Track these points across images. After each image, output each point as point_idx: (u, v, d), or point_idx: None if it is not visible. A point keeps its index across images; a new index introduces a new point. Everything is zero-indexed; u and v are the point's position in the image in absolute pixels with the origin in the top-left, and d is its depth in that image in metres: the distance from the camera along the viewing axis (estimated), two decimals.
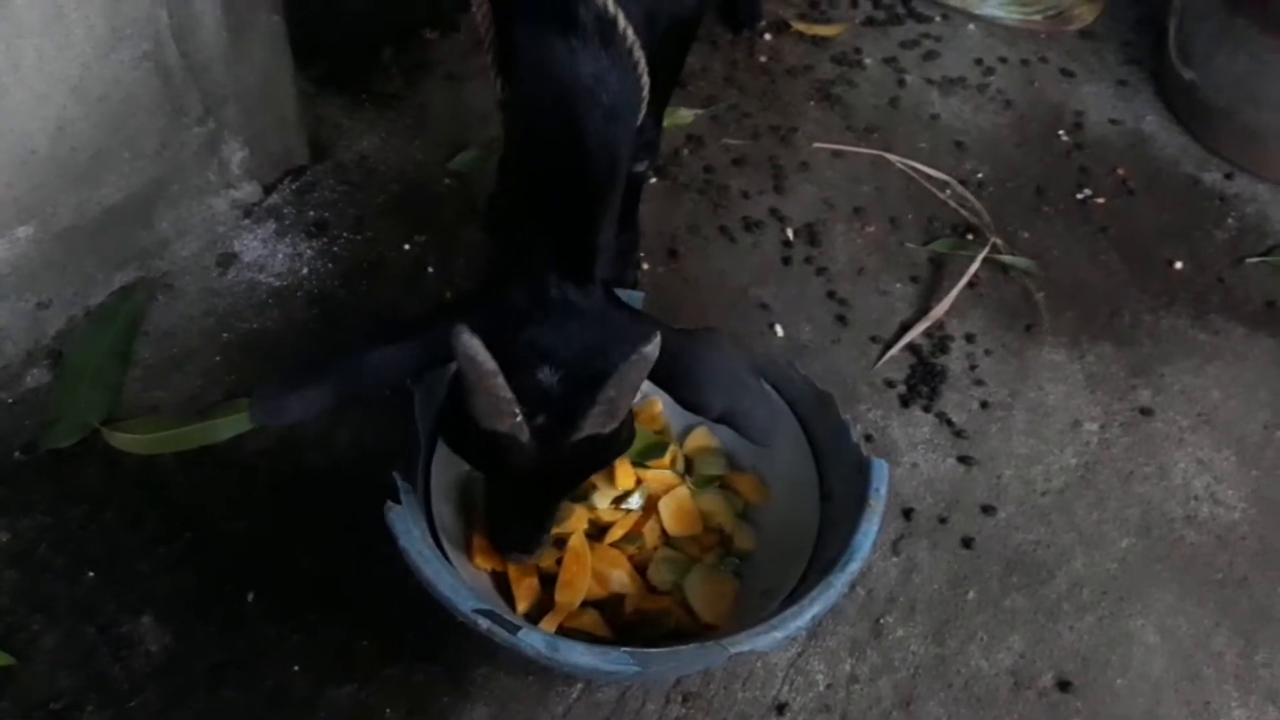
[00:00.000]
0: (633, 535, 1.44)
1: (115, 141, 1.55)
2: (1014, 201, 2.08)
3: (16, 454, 1.51)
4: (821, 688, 1.44)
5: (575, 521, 1.42)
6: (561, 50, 1.06)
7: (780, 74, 2.26)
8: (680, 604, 1.39)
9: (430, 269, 1.80)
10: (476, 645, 1.34)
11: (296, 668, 1.37)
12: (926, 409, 1.74)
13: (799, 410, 1.45)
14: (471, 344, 1.02)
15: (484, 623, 1.15)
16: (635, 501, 1.46)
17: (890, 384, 1.76)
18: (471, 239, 1.84)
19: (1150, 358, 1.86)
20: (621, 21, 1.06)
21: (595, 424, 1.10)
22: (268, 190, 1.85)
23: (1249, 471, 1.72)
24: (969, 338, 1.84)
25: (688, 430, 1.55)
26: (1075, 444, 1.73)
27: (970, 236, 2.00)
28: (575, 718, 1.38)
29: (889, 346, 1.81)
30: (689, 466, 1.52)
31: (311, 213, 1.85)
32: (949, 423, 1.72)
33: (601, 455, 1.20)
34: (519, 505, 1.26)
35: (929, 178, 2.09)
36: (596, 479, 1.43)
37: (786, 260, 1.92)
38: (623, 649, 1.17)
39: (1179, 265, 2.02)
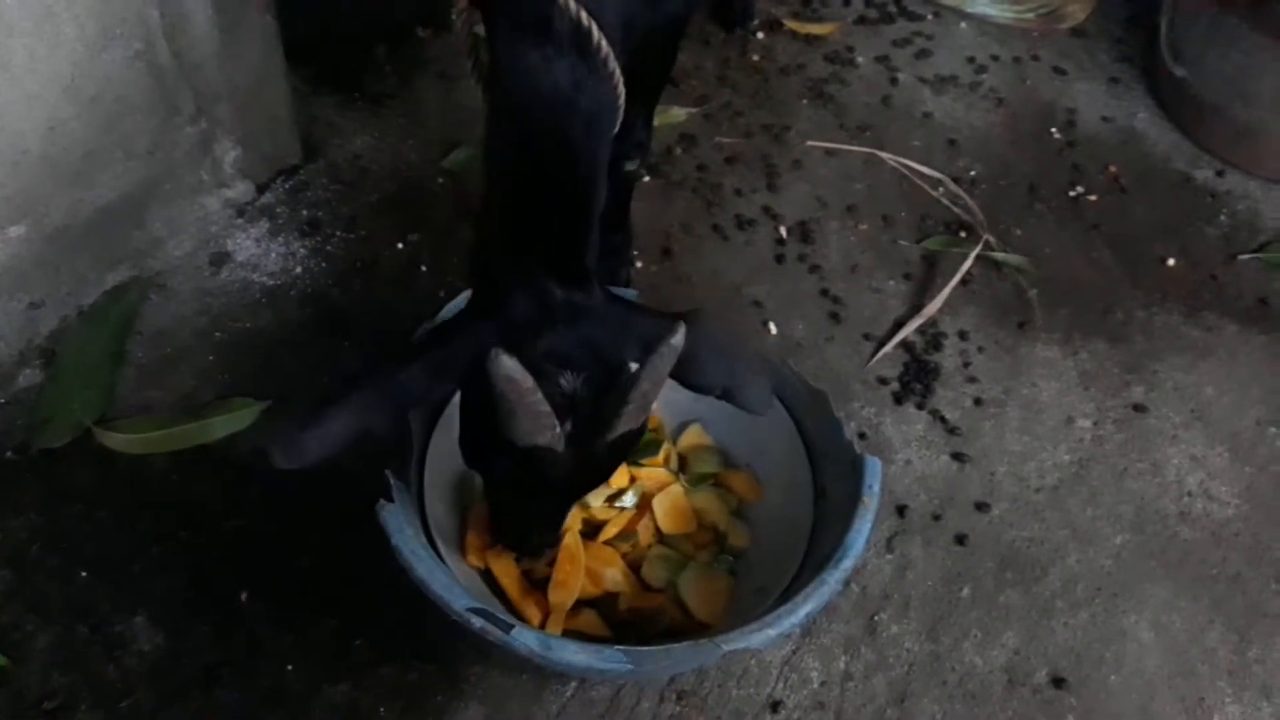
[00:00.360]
0: (627, 533, 1.44)
1: (107, 141, 1.55)
2: (1007, 199, 2.09)
3: (9, 454, 1.50)
4: (816, 685, 1.44)
5: (569, 520, 1.41)
6: (537, 59, 1.07)
7: (773, 72, 2.26)
8: (675, 602, 1.39)
9: (424, 268, 1.80)
10: (471, 644, 1.34)
11: (290, 667, 1.37)
12: (920, 406, 1.74)
13: (792, 408, 1.45)
14: (510, 365, 1.01)
15: (477, 621, 1.15)
16: (629, 500, 1.46)
17: (884, 381, 1.77)
18: (465, 238, 1.84)
19: (1143, 354, 1.86)
20: (596, 32, 1.07)
21: (629, 421, 1.10)
22: (261, 189, 1.85)
23: (1242, 468, 1.73)
24: (962, 335, 1.85)
25: (681, 428, 1.55)
26: (1069, 441, 1.73)
27: (963, 234, 2.00)
28: (570, 716, 1.37)
29: (882, 344, 1.81)
30: (683, 464, 1.52)
31: (305, 212, 1.84)
32: (942, 420, 1.73)
33: (626, 451, 1.20)
34: (535, 509, 1.25)
35: (922, 175, 2.09)
36: None
37: (780, 258, 1.92)
38: (616, 647, 1.17)
39: (1171, 262, 2.02)
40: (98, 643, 1.36)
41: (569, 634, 1.34)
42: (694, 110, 2.14)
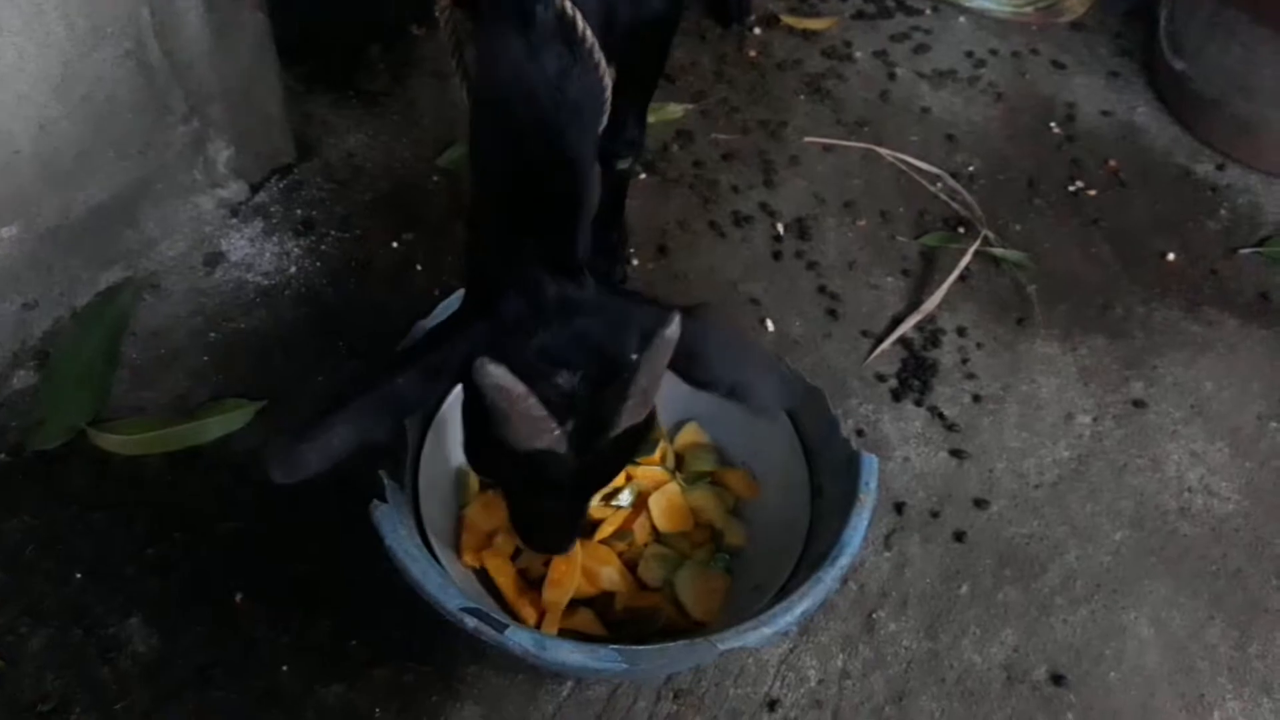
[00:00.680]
0: (623, 532, 1.43)
1: (99, 141, 1.55)
2: (1005, 194, 2.08)
3: (3, 455, 1.50)
4: (813, 684, 1.43)
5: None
6: (521, 49, 1.06)
7: (770, 68, 2.25)
8: (671, 601, 1.39)
9: (419, 266, 1.79)
10: (466, 644, 1.33)
11: (285, 668, 1.36)
12: (918, 403, 1.73)
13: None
14: (498, 373, 1.00)
15: (471, 621, 1.15)
16: (625, 498, 1.45)
17: (882, 378, 1.76)
18: (460, 236, 1.83)
19: (1143, 350, 1.85)
20: (580, 22, 1.06)
21: (630, 416, 1.08)
22: (254, 189, 1.84)
23: (1242, 463, 1.72)
24: (960, 331, 1.84)
25: (678, 426, 1.54)
26: (1068, 437, 1.72)
27: (961, 230, 1.99)
28: (566, 716, 1.37)
29: (880, 340, 1.80)
30: (679, 462, 1.52)
31: (299, 211, 1.84)
32: (941, 416, 1.72)
33: (635, 444, 1.17)
34: (552, 508, 1.23)
35: (920, 171, 2.08)
36: None
37: (777, 255, 1.91)
38: (611, 646, 1.17)
39: (1171, 257, 2.01)
40: (92, 644, 1.36)
41: (565, 633, 1.34)
42: (690, 106, 2.13)
